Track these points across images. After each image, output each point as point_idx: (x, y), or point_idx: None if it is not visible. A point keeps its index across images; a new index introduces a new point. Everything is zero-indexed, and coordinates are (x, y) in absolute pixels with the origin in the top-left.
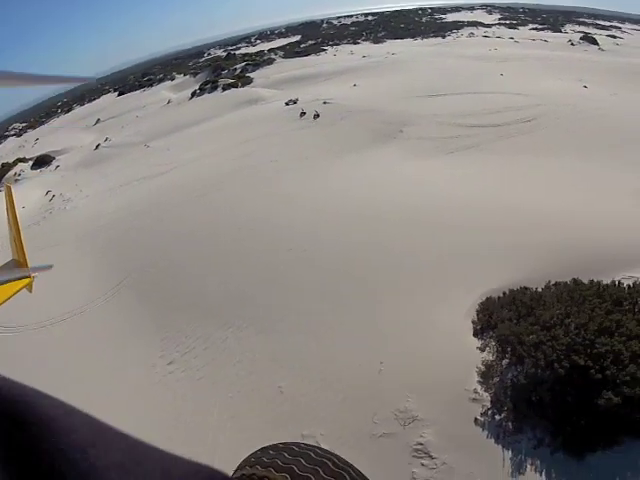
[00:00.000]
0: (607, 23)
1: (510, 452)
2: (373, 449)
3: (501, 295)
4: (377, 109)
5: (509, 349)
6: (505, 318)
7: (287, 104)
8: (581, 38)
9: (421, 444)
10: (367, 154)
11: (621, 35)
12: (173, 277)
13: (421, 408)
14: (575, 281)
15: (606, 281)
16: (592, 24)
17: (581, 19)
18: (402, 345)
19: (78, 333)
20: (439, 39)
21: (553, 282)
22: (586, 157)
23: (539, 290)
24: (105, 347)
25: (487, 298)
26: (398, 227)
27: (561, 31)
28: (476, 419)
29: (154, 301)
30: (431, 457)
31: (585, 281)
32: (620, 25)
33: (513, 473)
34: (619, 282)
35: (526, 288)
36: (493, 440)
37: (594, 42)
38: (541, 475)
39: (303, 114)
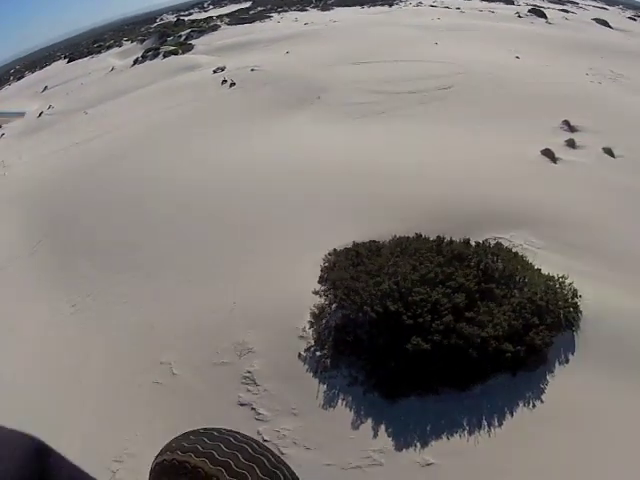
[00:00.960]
0: None
1: (325, 386)
2: (212, 375)
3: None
4: (301, 76)
5: (337, 294)
6: (341, 266)
7: (215, 72)
8: (529, 11)
9: (250, 372)
10: (280, 119)
11: (575, 10)
12: (85, 232)
13: (257, 342)
14: (417, 235)
15: (473, 240)
16: None
17: None
18: (256, 289)
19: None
20: (385, 7)
21: (398, 236)
22: (487, 123)
23: (384, 243)
24: (23, 296)
25: (334, 249)
26: (286, 186)
27: (513, 3)
28: (300, 354)
29: (68, 253)
30: (256, 384)
31: (456, 239)
32: (578, 1)
33: (325, 405)
34: (483, 241)
35: (374, 241)
36: (312, 374)
37: (542, 15)
38: (351, 410)
39: (224, 82)
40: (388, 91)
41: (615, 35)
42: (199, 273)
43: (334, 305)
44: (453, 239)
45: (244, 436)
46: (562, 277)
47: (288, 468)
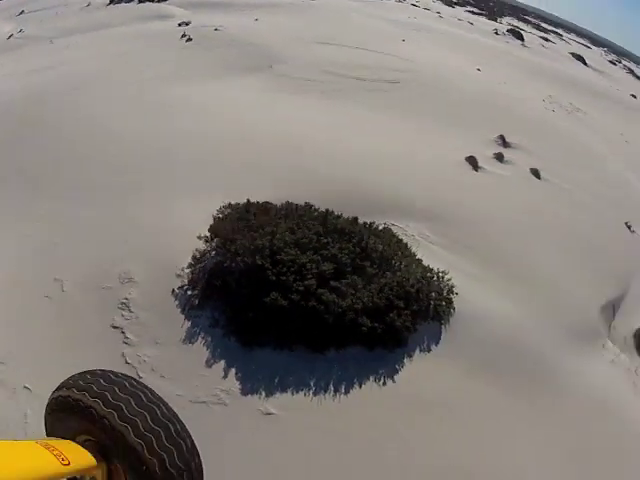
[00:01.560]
0: (550, 27)
1: (190, 323)
2: (95, 296)
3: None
4: (262, 44)
5: (216, 241)
6: (230, 219)
7: (179, 25)
8: (508, 30)
9: (127, 299)
10: (227, 80)
11: (555, 41)
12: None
13: (140, 273)
14: (307, 204)
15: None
16: (534, 24)
17: (526, 17)
18: (154, 227)
19: None
20: None
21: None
22: (423, 122)
23: (276, 205)
24: None
25: (229, 203)
26: (210, 144)
27: (496, 20)
28: (173, 290)
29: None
30: (130, 311)
31: (346, 216)
32: (563, 33)
33: (185, 340)
34: (371, 222)
35: (268, 202)
36: (180, 310)
37: (519, 37)
38: (208, 350)
39: (184, 36)
40: (339, 74)
41: (587, 72)
42: (108, 204)
43: (214, 252)
44: (342, 215)
45: (139, 383)
46: (442, 272)
47: (179, 421)
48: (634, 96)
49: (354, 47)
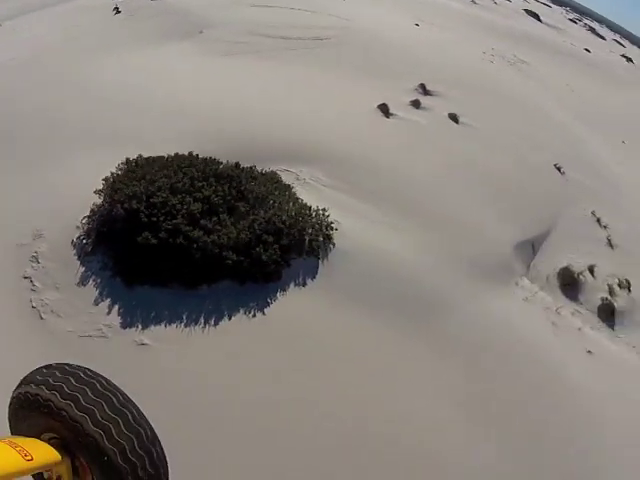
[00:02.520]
0: None
1: (84, 268)
2: (14, 253)
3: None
4: (195, 11)
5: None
6: (121, 172)
7: None
8: None
9: (36, 253)
10: (155, 48)
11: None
12: None
13: (48, 229)
14: (190, 154)
15: (263, 168)
16: None
17: None
18: (64, 189)
19: None
20: None
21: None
22: (347, 75)
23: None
24: None
25: (127, 158)
26: (131, 108)
27: None
28: (72, 241)
29: None
30: (38, 262)
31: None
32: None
33: (79, 284)
34: (251, 167)
35: (161, 156)
36: (77, 257)
37: None
38: (97, 290)
39: (116, 8)
40: (268, 34)
41: (541, 28)
42: (26, 172)
43: (105, 203)
44: (223, 162)
45: (94, 372)
46: (322, 209)
47: (135, 407)
48: (588, 50)
49: (290, 8)
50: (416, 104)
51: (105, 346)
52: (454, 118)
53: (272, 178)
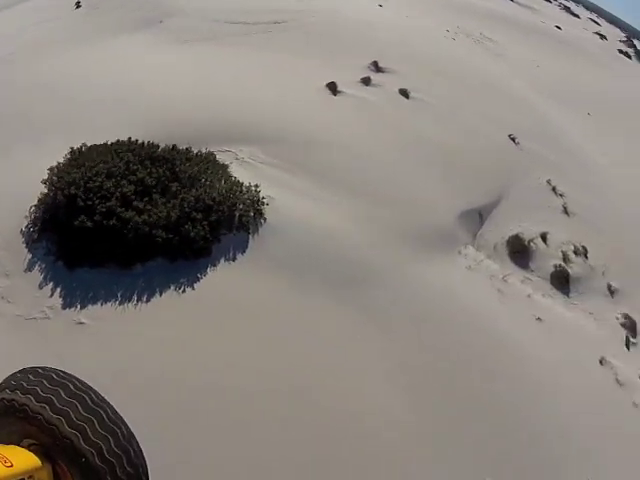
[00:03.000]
0: None
1: (31, 255)
2: None
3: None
4: (153, 2)
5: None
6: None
7: None
8: None
9: None
10: (114, 40)
11: None
12: None
13: (1, 220)
14: (129, 140)
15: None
16: None
17: None
18: (16, 180)
19: None
20: None
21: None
22: (300, 56)
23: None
24: None
25: (71, 148)
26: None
27: None
28: (21, 229)
29: None
30: None
31: (167, 146)
32: None
33: (27, 270)
34: (187, 148)
35: (111, 144)
36: (25, 245)
37: None
38: (41, 274)
39: (77, 3)
40: (227, 21)
41: (514, 8)
42: None
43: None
44: (160, 145)
45: (65, 373)
46: (255, 186)
47: (110, 406)
48: (559, 28)
49: None
50: (366, 81)
51: (48, 327)
52: (404, 93)
53: (207, 158)
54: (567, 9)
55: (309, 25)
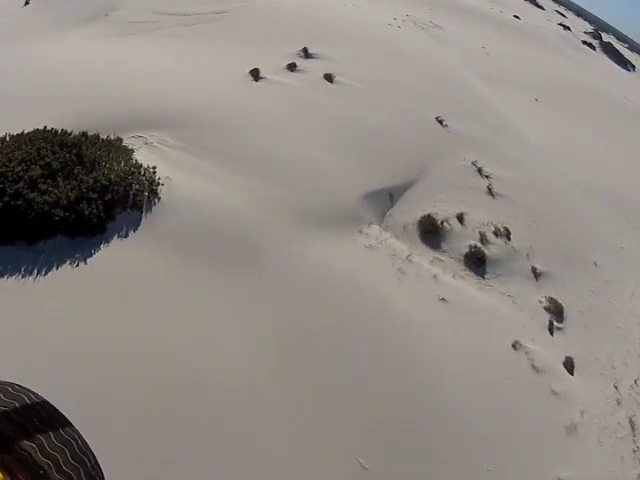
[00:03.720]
0: None
1: None
2: None
3: None
4: None
5: None
6: None
7: None
8: None
9: None
10: (61, 34)
11: None
12: None
13: None
14: (44, 129)
15: (119, 135)
16: None
17: None
18: None
19: None
20: None
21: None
22: (236, 45)
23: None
24: None
25: None
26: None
27: None
28: None
29: None
30: None
31: (76, 132)
32: None
33: None
34: (94, 135)
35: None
36: None
37: None
38: None
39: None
40: (170, 12)
41: None
42: None
43: None
44: (71, 132)
45: (22, 387)
46: (153, 168)
47: (65, 419)
48: (517, 17)
49: None
50: (292, 67)
51: None
52: (329, 78)
53: (112, 143)
54: (532, 1)
55: (249, 15)
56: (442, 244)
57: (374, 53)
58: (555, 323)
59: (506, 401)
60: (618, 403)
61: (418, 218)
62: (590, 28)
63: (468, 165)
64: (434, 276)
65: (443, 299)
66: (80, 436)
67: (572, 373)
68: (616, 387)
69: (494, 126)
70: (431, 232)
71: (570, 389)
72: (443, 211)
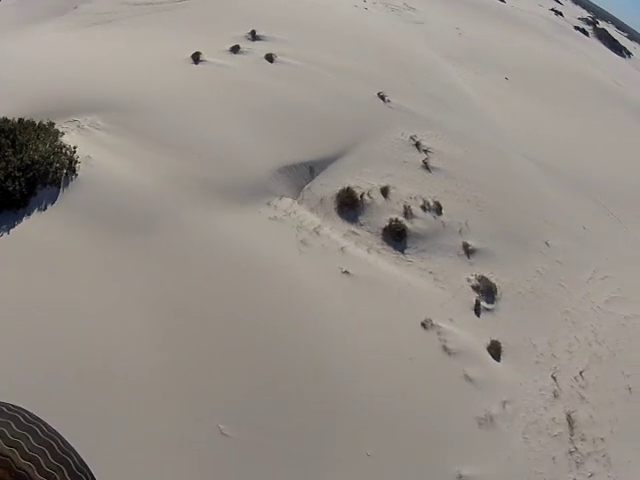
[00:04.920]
0: None
1: None
2: None
3: None
4: None
5: None
6: None
7: None
8: None
9: None
10: (30, 27)
11: None
12: None
13: None
14: None
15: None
16: None
17: None
18: None
19: None
20: None
21: None
22: (188, 31)
23: None
24: None
25: None
26: None
27: None
28: None
29: None
30: None
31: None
32: None
33: None
34: (20, 119)
35: None
36: None
37: None
38: None
39: None
40: (136, 2)
41: None
42: None
43: None
44: (11, 120)
45: (15, 406)
46: (74, 148)
47: (43, 423)
48: (502, 1)
49: None
50: (235, 49)
51: None
52: (269, 58)
53: (42, 127)
54: None
55: (211, 2)
56: (360, 217)
57: (330, 35)
58: (484, 304)
59: (405, 382)
60: (555, 396)
61: (337, 191)
62: (586, 15)
63: (406, 140)
64: (341, 249)
65: (346, 272)
66: (61, 437)
67: (498, 359)
68: (554, 378)
69: (451, 104)
70: (348, 205)
71: (491, 376)
72: (368, 184)
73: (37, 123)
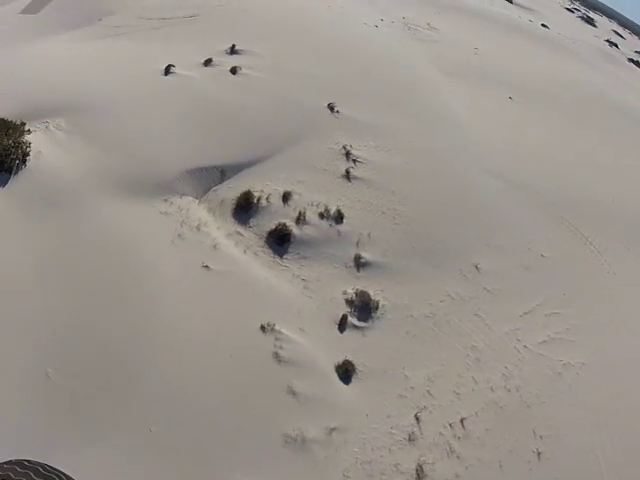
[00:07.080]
0: None
1: None
2: None
3: None
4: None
5: None
6: None
7: None
8: None
9: None
10: (56, 38)
11: None
12: None
13: None
14: None
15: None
16: None
17: None
18: None
19: None
20: None
21: None
22: (188, 43)
23: None
24: None
25: None
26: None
27: None
28: None
29: None
30: None
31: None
32: None
33: None
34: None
35: None
36: None
37: None
38: None
39: None
40: (150, 17)
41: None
42: None
43: None
44: None
45: (52, 468)
46: (29, 144)
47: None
48: (545, 26)
49: None
50: (207, 62)
51: None
52: (233, 71)
53: (12, 126)
54: (588, 20)
55: (214, 18)
56: (251, 220)
57: (314, 51)
58: (353, 320)
59: (213, 378)
60: (410, 439)
61: (238, 194)
62: None
63: (337, 149)
64: (214, 246)
65: (207, 266)
66: None
67: (347, 381)
68: (417, 418)
69: (424, 118)
70: (243, 208)
71: (326, 397)
72: (273, 189)
73: (11, 122)
